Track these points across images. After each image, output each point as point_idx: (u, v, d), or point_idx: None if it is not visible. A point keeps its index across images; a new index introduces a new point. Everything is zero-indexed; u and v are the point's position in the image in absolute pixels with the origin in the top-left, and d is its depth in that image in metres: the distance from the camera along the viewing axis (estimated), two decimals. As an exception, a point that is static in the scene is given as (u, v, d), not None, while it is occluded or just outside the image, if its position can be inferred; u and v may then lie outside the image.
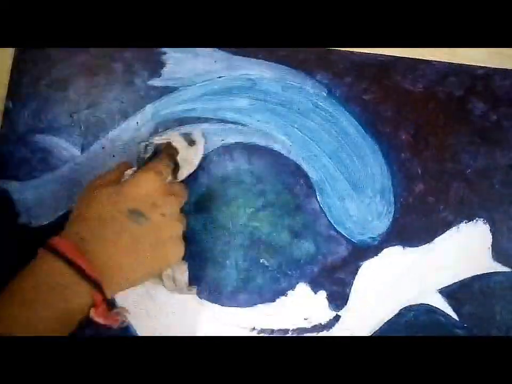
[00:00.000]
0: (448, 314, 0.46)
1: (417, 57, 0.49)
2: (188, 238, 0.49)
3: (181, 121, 0.50)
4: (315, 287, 0.48)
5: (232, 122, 0.50)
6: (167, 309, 0.48)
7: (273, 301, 0.48)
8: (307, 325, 0.48)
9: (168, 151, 0.46)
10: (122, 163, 0.46)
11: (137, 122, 0.50)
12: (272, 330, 0.48)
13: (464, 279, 0.46)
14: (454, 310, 0.46)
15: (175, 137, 0.47)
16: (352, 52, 0.50)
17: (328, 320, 0.48)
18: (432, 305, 0.46)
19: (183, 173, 0.46)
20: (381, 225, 0.48)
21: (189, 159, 0.47)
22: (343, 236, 0.48)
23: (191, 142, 0.48)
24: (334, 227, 0.48)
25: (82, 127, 0.51)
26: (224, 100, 0.51)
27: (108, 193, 0.41)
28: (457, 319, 0.46)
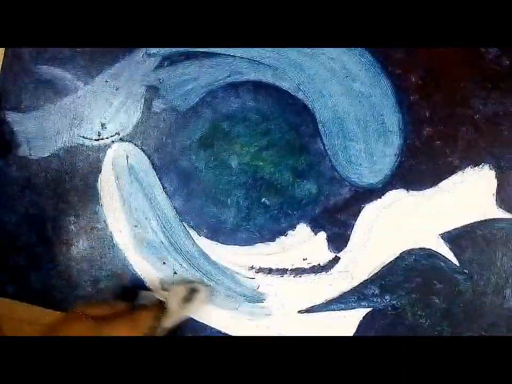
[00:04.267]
0: (448, 260, 0.46)
1: None
2: (190, 174, 0.49)
3: (187, 55, 0.49)
4: (315, 227, 0.47)
5: (240, 58, 0.49)
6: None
7: (273, 240, 0.48)
8: (306, 265, 0.48)
9: (157, 308, 0.45)
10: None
11: (142, 55, 0.49)
12: (270, 270, 0.48)
13: (467, 224, 0.46)
14: (455, 255, 0.46)
15: (174, 288, 0.47)
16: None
17: (327, 261, 0.47)
18: (433, 250, 0.46)
19: (169, 322, 0.45)
20: (386, 168, 0.47)
21: (179, 312, 0.46)
22: (346, 177, 0.47)
23: (192, 291, 0.47)
24: (338, 168, 0.47)
25: (86, 59, 0.50)
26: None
27: (87, 327, 0.40)
28: (457, 264, 0.46)
